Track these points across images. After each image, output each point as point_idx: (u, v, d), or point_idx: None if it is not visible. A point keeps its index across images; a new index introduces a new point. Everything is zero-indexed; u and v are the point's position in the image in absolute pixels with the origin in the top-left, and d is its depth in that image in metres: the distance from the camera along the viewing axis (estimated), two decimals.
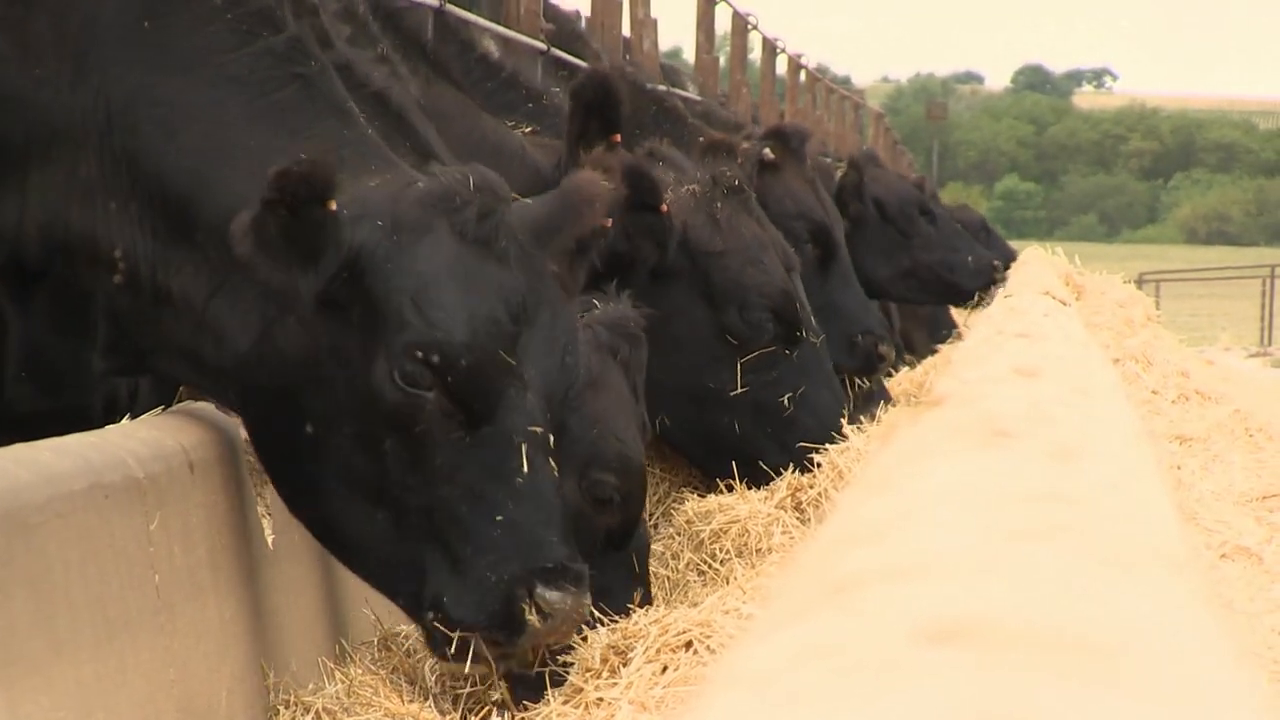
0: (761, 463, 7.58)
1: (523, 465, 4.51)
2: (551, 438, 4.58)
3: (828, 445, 7.55)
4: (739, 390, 7.57)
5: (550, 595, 4.43)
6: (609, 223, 4.91)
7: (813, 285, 8.94)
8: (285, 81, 4.71)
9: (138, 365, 4.91)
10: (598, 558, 5.58)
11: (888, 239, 12.95)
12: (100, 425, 4.74)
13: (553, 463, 4.56)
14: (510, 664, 4.62)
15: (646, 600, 5.66)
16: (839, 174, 13.18)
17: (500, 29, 8.55)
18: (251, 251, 4.42)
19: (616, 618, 5.28)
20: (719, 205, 7.64)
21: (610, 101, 6.27)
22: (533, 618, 4.43)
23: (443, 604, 4.51)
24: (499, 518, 4.48)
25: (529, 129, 7.12)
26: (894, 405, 11.22)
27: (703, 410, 7.55)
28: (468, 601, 4.48)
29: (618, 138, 6.60)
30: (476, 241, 4.59)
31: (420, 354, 4.49)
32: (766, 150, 9.37)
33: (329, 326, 4.55)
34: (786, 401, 7.67)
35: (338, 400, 4.56)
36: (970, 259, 13.30)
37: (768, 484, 7.58)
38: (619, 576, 5.63)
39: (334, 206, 4.46)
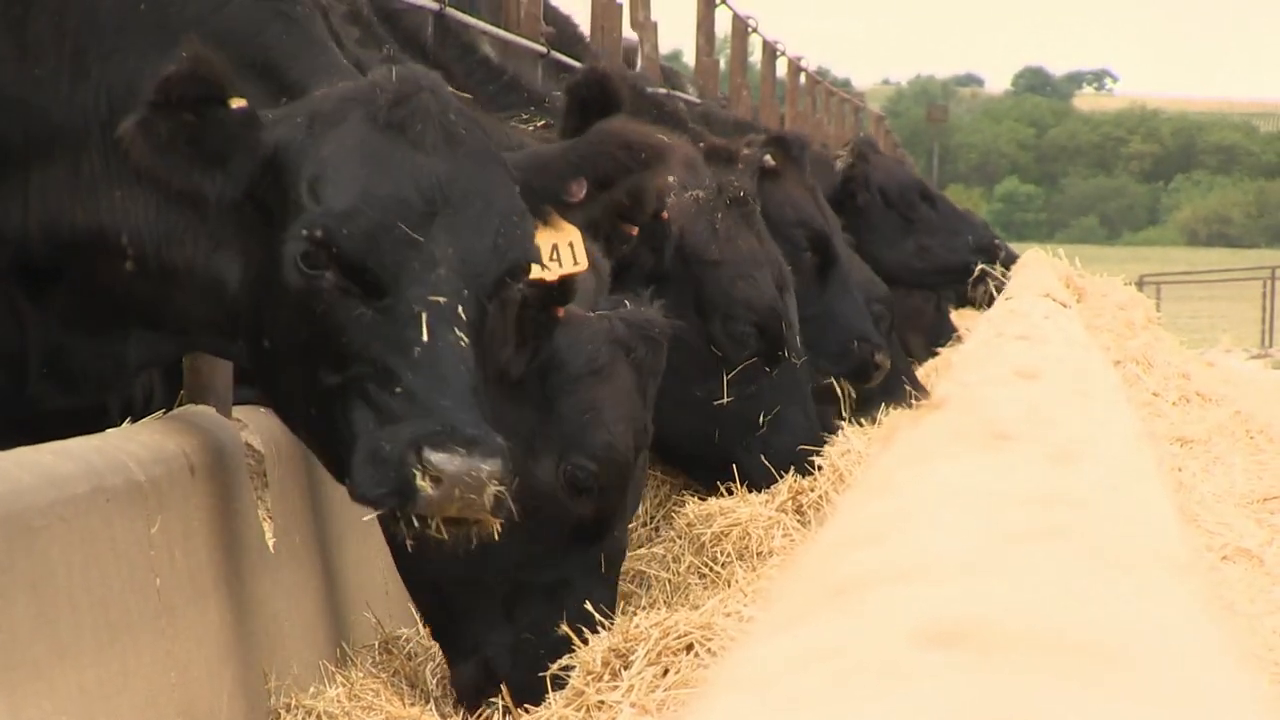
0: (736, 469, 7.63)
1: (422, 335, 4.44)
2: (461, 309, 4.50)
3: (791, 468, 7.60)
4: (723, 400, 7.60)
5: (436, 458, 4.30)
6: (645, 160, 4.91)
7: (811, 293, 8.96)
8: (269, 20, 4.73)
9: (170, 348, 4.93)
10: (563, 550, 5.55)
11: (891, 224, 12.99)
12: (116, 426, 4.75)
13: (461, 334, 4.47)
14: (421, 533, 4.42)
15: (607, 604, 5.58)
16: (839, 162, 13.18)
17: (500, 32, 8.56)
18: (147, 158, 4.41)
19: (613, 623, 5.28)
20: (720, 215, 7.65)
21: (610, 101, 6.27)
22: (424, 484, 4.30)
23: (349, 477, 4.46)
24: (398, 389, 4.42)
25: (541, 122, 7.12)
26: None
27: (685, 415, 7.59)
28: (367, 475, 4.39)
29: None
30: (389, 127, 4.56)
31: (311, 232, 4.48)
32: (767, 157, 9.39)
33: (258, 232, 4.56)
34: (761, 420, 7.71)
35: (269, 303, 4.57)
36: (971, 238, 13.34)
37: (767, 487, 7.59)
38: (582, 573, 5.58)
39: (235, 105, 4.45)
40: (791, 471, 7.62)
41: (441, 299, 4.49)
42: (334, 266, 4.47)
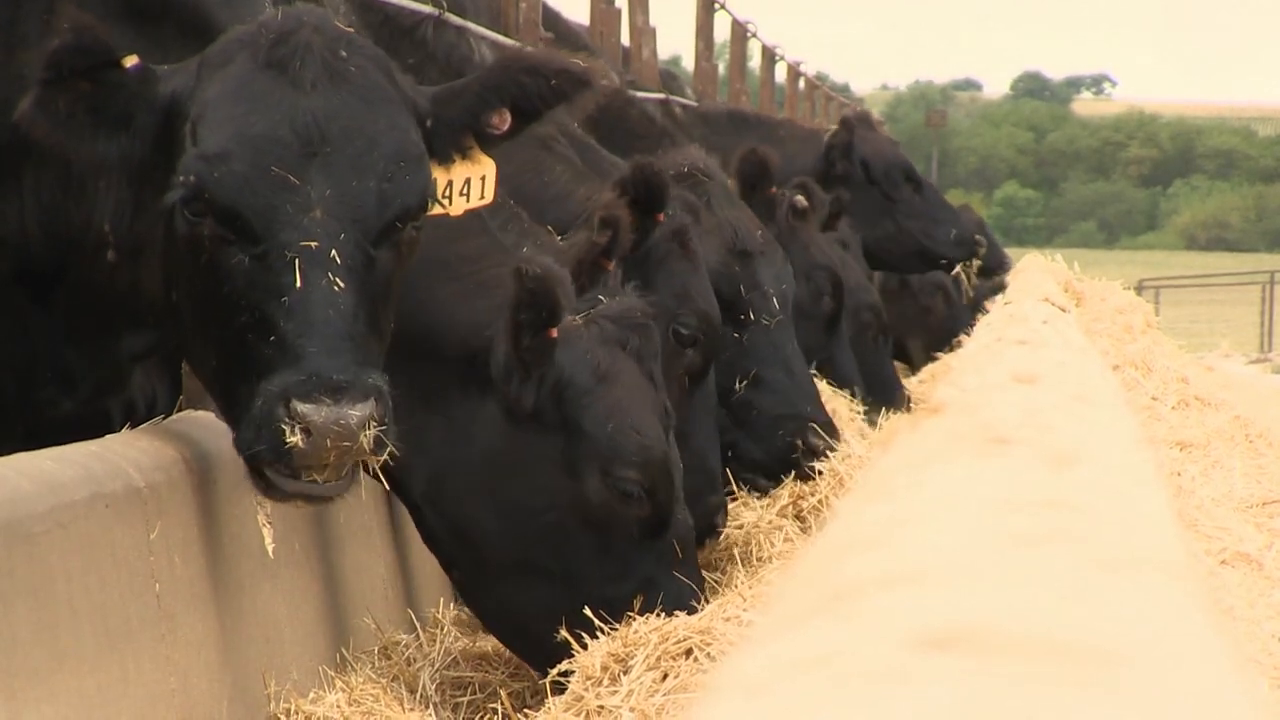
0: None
1: (295, 281, 4.37)
2: (337, 254, 4.42)
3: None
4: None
5: (304, 409, 4.24)
6: (556, 86, 4.84)
7: (818, 338, 9.04)
8: None
9: (157, 340, 4.91)
10: (639, 550, 5.58)
11: (871, 201, 12.91)
12: (118, 431, 4.75)
13: (336, 278, 4.40)
14: (294, 488, 4.38)
15: (696, 583, 5.65)
16: (828, 134, 13.15)
17: (499, 37, 8.56)
18: (50, 134, 4.38)
19: (617, 626, 5.28)
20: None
21: (655, 197, 6.31)
22: (294, 437, 4.25)
23: (234, 435, 4.42)
24: (271, 338, 4.35)
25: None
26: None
27: None
28: (246, 430, 4.34)
29: (661, 217, 6.68)
30: (269, 66, 4.49)
31: (186, 177, 4.42)
32: (799, 198, 9.51)
33: (157, 181, 4.51)
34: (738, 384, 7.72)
35: (172, 255, 4.52)
36: (953, 230, 13.23)
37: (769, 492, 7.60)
38: (663, 567, 5.62)
39: (129, 65, 4.42)
40: (792, 476, 7.64)
41: (314, 244, 4.39)
42: (210, 211, 4.40)
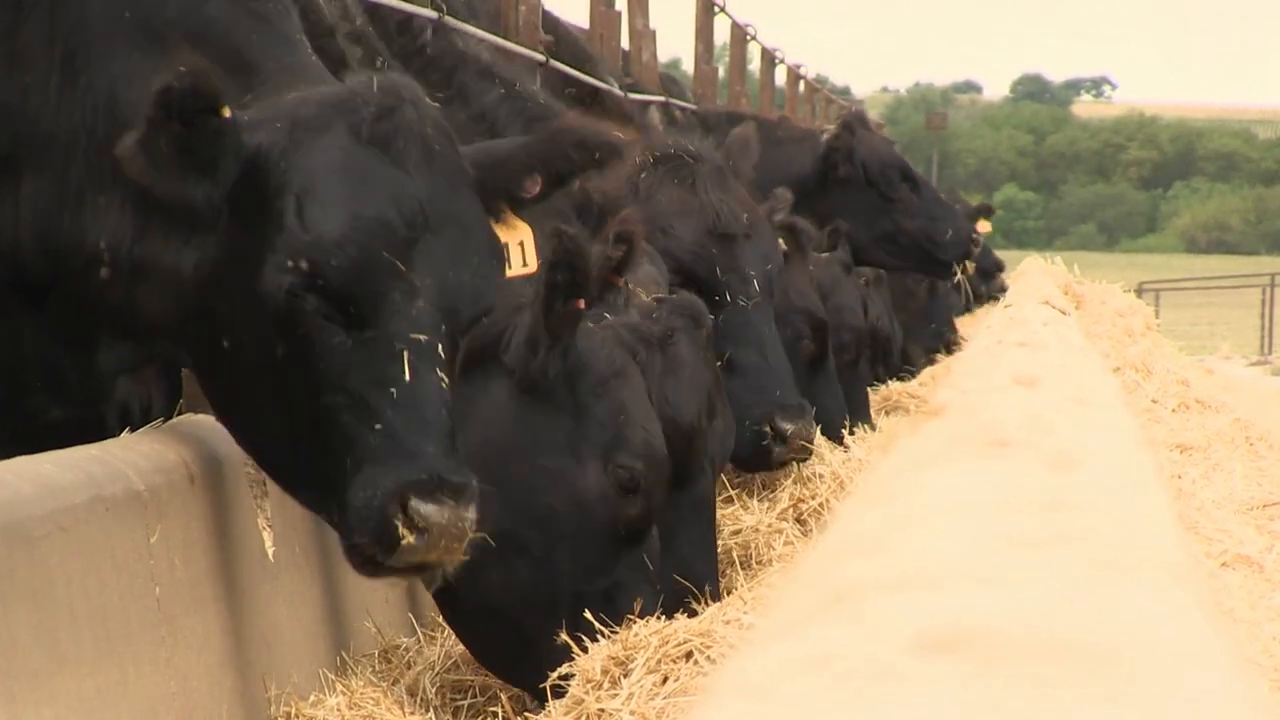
0: None
1: (404, 373, 4.37)
2: (440, 348, 4.43)
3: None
4: None
5: (425, 509, 4.26)
6: (599, 159, 4.85)
7: (801, 382, 9.00)
8: (240, 19, 4.67)
9: (138, 355, 4.90)
10: (619, 551, 5.58)
11: (869, 202, 12.88)
12: (114, 436, 4.75)
13: (442, 374, 4.41)
14: (395, 575, 4.45)
15: (655, 600, 5.64)
16: (826, 135, 13.12)
17: (499, 40, 8.56)
18: (146, 172, 4.36)
19: (617, 628, 5.28)
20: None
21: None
22: (407, 533, 4.27)
23: (334, 516, 4.41)
24: (377, 426, 4.34)
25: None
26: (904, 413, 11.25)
27: None
28: (350, 516, 4.34)
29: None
30: (372, 142, 4.46)
31: (298, 255, 4.39)
32: (780, 242, 9.49)
33: (231, 235, 4.47)
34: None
35: (238, 309, 4.47)
36: (950, 230, 13.20)
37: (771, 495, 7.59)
38: (636, 577, 5.62)
39: (228, 113, 4.39)
40: (792, 478, 7.63)
41: (423, 336, 4.41)
42: (317, 292, 4.38)
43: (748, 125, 9.45)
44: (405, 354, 4.38)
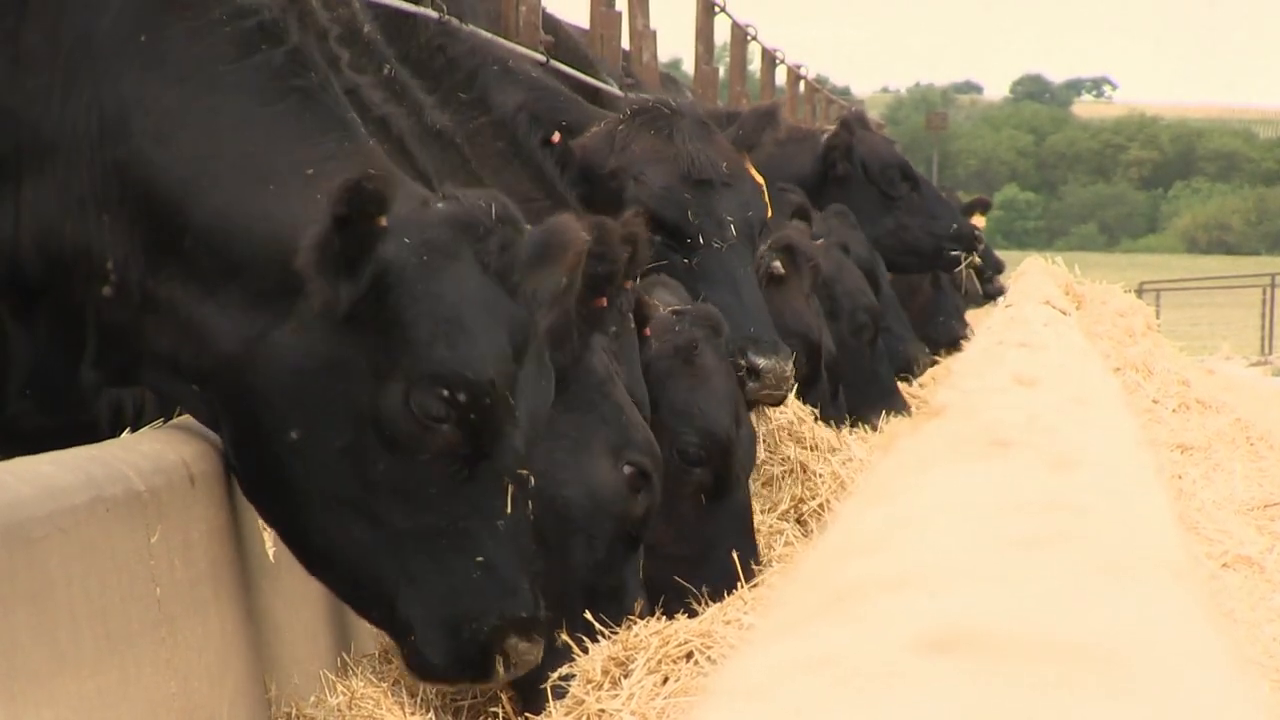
0: None
1: (506, 507, 4.50)
2: (531, 480, 4.58)
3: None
4: None
5: (521, 648, 4.46)
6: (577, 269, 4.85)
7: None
8: (283, 94, 4.68)
9: (124, 376, 4.89)
10: (620, 557, 5.59)
11: (870, 200, 12.87)
12: (107, 439, 4.74)
13: (531, 507, 4.57)
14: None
15: (648, 610, 5.64)
16: (826, 135, 13.13)
17: (500, 40, 8.55)
18: (312, 265, 4.39)
19: (617, 628, 5.28)
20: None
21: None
22: (501, 669, 4.46)
23: (415, 637, 4.51)
24: (479, 559, 4.47)
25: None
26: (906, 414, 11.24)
27: None
28: (441, 643, 4.48)
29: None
30: (497, 274, 4.55)
31: (444, 387, 4.45)
32: (776, 263, 9.45)
33: (339, 337, 4.49)
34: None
35: (334, 412, 4.50)
36: (953, 226, 13.18)
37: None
38: (635, 579, 5.62)
39: (385, 223, 4.42)
40: (793, 476, 7.63)
41: (525, 471, 4.56)
42: (454, 423, 4.46)
43: (778, 100, 9.36)
44: (510, 488, 4.51)
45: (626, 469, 5.57)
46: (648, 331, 6.48)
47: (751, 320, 7.49)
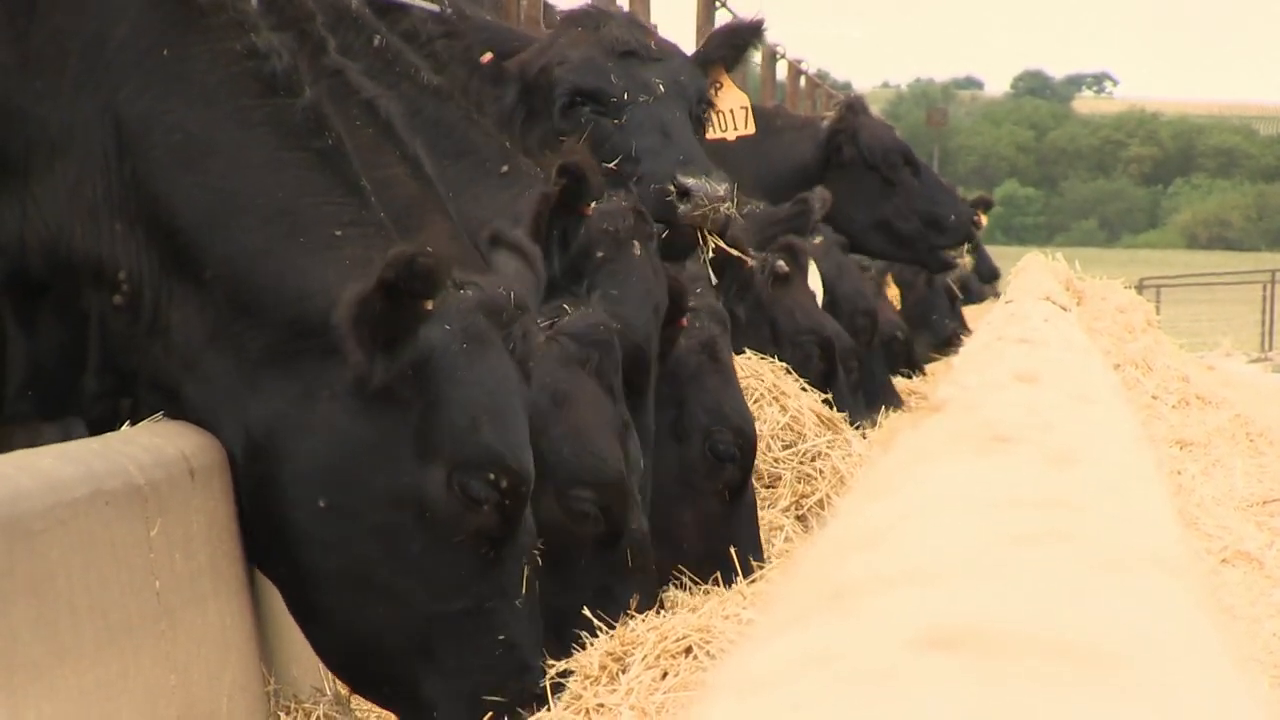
0: None
1: (522, 586, 4.67)
2: (539, 560, 4.77)
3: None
4: None
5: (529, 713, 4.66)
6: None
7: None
8: (304, 147, 4.71)
9: (123, 389, 4.90)
10: (591, 561, 5.56)
11: (870, 186, 12.83)
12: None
13: (539, 585, 4.74)
14: None
15: (648, 602, 5.61)
16: (828, 121, 13.09)
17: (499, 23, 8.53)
18: (349, 323, 4.44)
19: (614, 624, 5.27)
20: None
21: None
22: None
23: (439, 714, 4.65)
24: (501, 637, 4.64)
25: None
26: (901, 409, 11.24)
27: None
28: (461, 716, 4.63)
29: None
30: (519, 361, 4.73)
31: (490, 472, 4.58)
32: (780, 263, 9.43)
33: (373, 413, 4.57)
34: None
35: (366, 488, 4.59)
36: (952, 216, 13.12)
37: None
38: (617, 578, 5.59)
39: (430, 306, 4.50)
40: (793, 474, 7.62)
41: (537, 550, 4.76)
42: (494, 507, 4.60)
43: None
44: (526, 570, 4.68)
45: (570, 501, 5.59)
46: (588, 210, 6.14)
47: (680, 152, 6.93)
